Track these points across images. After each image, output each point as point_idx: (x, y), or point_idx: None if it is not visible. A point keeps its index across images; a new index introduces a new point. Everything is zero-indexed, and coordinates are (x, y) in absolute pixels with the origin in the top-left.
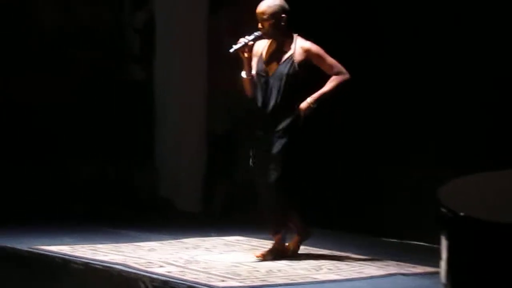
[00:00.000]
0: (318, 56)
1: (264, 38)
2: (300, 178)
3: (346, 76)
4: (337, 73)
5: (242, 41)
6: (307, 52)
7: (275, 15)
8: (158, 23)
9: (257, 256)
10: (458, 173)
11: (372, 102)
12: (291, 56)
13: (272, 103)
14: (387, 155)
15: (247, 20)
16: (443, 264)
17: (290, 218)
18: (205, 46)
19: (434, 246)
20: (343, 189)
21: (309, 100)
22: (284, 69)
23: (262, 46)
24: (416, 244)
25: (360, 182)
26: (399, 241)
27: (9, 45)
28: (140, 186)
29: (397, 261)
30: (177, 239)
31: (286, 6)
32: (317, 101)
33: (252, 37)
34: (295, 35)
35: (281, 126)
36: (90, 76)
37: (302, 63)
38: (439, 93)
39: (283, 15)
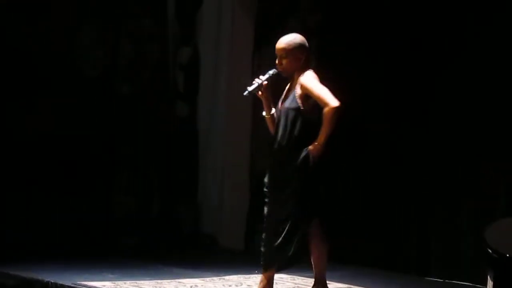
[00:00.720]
0: (306, 89)
1: (278, 76)
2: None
3: (332, 106)
4: (326, 105)
5: (256, 82)
6: (302, 86)
7: (293, 52)
8: (202, 59)
9: None
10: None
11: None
12: (294, 90)
13: (278, 139)
14: (437, 197)
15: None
16: None
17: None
18: (249, 82)
19: (479, 286)
20: (387, 226)
21: (317, 144)
22: (288, 104)
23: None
24: (460, 283)
25: (404, 220)
26: (443, 280)
27: (58, 81)
28: (183, 222)
29: None
30: (219, 276)
31: (306, 44)
32: (324, 143)
33: (266, 76)
34: (308, 71)
35: (289, 165)
36: (135, 111)
37: (303, 97)
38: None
39: (302, 54)
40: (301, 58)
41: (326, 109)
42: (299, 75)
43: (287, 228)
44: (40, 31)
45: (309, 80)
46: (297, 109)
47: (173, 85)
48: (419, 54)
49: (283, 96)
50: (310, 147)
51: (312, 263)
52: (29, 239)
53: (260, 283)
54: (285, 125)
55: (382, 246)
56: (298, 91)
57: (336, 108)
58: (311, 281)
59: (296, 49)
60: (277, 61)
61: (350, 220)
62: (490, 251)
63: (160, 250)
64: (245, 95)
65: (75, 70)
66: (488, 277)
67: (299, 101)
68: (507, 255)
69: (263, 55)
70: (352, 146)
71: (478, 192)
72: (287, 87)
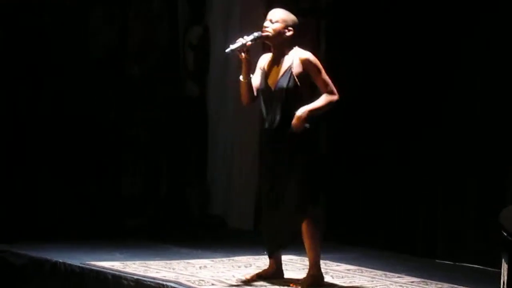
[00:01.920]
0: (315, 68)
1: (262, 40)
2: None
3: (336, 97)
4: (329, 92)
5: (240, 41)
6: (304, 63)
7: (284, 23)
8: (212, 38)
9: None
10: None
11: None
12: (290, 68)
13: (277, 118)
14: (444, 178)
15: (300, 38)
16: (502, 287)
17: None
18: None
19: (489, 269)
20: (396, 209)
21: (300, 114)
22: (283, 82)
23: (265, 61)
24: (471, 266)
25: (413, 203)
26: (453, 263)
27: (66, 62)
28: (192, 202)
29: (452, 283)
30: (228, 257)
31: (297, 23)
32: (309, 114)
33: (251, 37)
34: (295, 47)
35: (290, 143)
36: (145, 92)
37: (301, 75)
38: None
39: (291, 28)
40: (291, 32)
41: (331, 95)
42: (284, 49)
43: (290, 210)
44: (49, 12)
45: (316, 61)
46: (294, 88)
47: (183, 65)
48: (433, 44)
49: (268, 73)
50: (294, 121)
51: (306, 247)
52: (38, 219)
53: (269, 267)
54: (282, 104)
55: (391, 229)
56: (297, 69)
57: (338, 100)
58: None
59: (290, 20)
60: (266, 25)
61: (359, 204)
62: (505, 234)
63: (168, 231)
64: (226, 52)
65: (84, 50)
66: (503, 260)
67: (296, 79)
68: None
69: None
70: (359, 129)
71: (486, 174)
72: (268, 63)
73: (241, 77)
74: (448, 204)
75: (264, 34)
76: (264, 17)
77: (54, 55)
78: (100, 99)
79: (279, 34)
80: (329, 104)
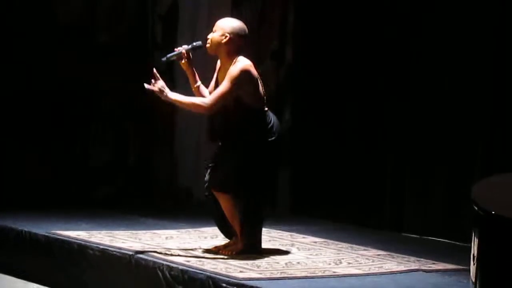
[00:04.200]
0: (228, 76)
1: (201, 49)
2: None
3: (205, 109)
4: (208, 101)
5: (177, 50)
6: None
7: (226, 34)
8: (181, 9)
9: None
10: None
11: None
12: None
13: (220, 128)
14: (411, 152)
15: (268, 13)
16: (472, 261)
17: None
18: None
19: (456, 243)
20: (363, 183)
21: (165, 94)
22: None
23: (218, 66)
24: (437, 240)
25: (379, 176)
26: (419, 236)
27: (33, 28)
28: (160, 173)
29: (418, 257)
30: (195, 228)
31: (243, 32)
32: (168, 100)
33: (189, 47)
34: (239, 57)
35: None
36: (112, 62)
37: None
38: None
39: (235, 39)
40: (233, 44)
41: (203, 103)
42: (228, 59)
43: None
44: None
45: (236, 73)
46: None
47: (151, 35)
48: (395, 19)
49: (214, 81)
50: (157, 90)
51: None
52: (4, 188)
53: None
54: (223, 113)
55: (358, 202)
56: None
57: (203, 112)
58: (286, 234)
59: (230, 32)
60: (208, 35)
61: (326, 177)
62: (477, 208)
63: (135, 201)
64: (162, 61)
65: (51, 17)
66: (473, 234)
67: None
68: (493, 213)
69: (243, 5)
70: (326, 101)
71: (454, 148)
72: (216, 72)
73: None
74: (415, 178)
75: (204, 44)
76: None
77: (21, 21)
78: (68, 67)
79: (220, 45)
80: (194, 107)
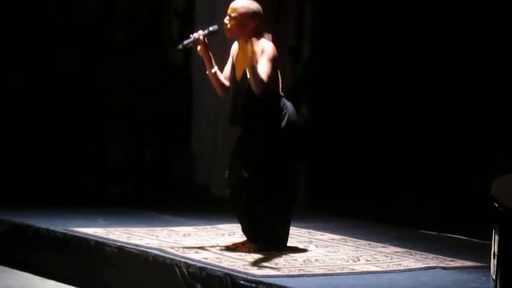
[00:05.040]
0: (263, 51)
1: (217, 33)
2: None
3: (265, 83)
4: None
5: (193, 36)
6: (262, 51)
7: (244, 16)
8: (197, 6)
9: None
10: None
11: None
12: (252, 58)
13: (240, 110)
14: (431, 148)
15: (286, 9)
16: (492, 258)
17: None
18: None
19: (474, 240)
20: (381, 180)
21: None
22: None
23: (234, 49)
24: (455, 237)
25: (398, 173)
26: (437, 234)
27: (49, 26)
28: (177, 170)
29: (436, 254)
30: (212, 225)
31: (260, 12)
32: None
33: (205, 32)
34: (266, 35)
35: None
36: (129, 59)
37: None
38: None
39: (253, 21)
40: (250, 25)
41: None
42: (251, 43)
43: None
44: None
45: (271, 48)
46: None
47: (167, 32)
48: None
49: (230, 65)
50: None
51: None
52: (21, 185)
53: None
54: (245, 97)
55: (376, 199)
56: (259, 58)
57: (266, 84)
58: (304, 231)
59: (248, 14)
60: (225, 19)
61: (344, 174)
62: (497, 205)
63: (152, 199)
64: (179, 49)
65: (69, 15)
66: (493, 231)
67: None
68: None
69: (260, 1)
70: (345, 99)
71: (474, 145)
72: (234, 55)
73: (207, 72)
74: (434, 174)
75: (220, 29)
76: None
77: (40, 20)
78: (85, 65)
79: (239, 28)
80: (256, 75)
